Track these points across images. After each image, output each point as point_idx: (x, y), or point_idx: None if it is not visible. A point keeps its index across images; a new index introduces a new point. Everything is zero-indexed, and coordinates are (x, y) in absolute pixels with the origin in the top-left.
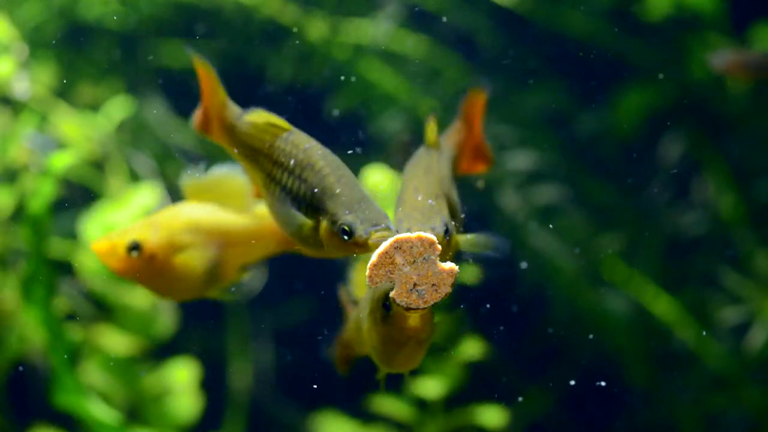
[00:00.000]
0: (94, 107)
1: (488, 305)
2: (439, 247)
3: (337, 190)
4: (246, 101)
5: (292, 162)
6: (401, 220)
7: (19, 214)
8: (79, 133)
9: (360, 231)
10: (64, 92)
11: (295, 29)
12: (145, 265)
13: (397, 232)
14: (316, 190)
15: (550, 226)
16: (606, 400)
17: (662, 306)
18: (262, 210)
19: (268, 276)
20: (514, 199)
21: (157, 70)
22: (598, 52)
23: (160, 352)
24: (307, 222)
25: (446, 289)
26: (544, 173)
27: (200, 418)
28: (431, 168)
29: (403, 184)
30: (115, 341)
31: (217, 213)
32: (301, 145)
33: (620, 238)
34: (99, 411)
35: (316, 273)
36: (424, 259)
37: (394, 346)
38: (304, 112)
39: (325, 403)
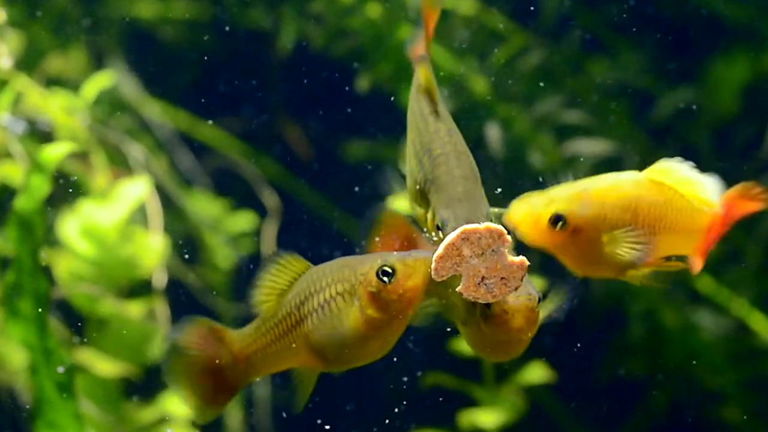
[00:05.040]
0: (61, 79)
1: (554, 325)
2: (509, 238)
3: (443, 182)
4: (262, 70)
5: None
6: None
7: None
8: (65, 118)
9: (449, 228)
10: (28, 64)
11: None
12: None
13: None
14: (428, 179)
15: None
16: None
17: (760, 326)
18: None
19: None
20: None
21: (125, 32)
22: (690, 13)
23: (154, 378)
24: (420, 210)
25: (516, 283)
26: (618, 164)
27: None
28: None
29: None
30: (102, 361)
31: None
32: (435, 131)
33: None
34: None
35: None
36: (492, 251)
37: (496, 344)
38: (330, 83)
39: None
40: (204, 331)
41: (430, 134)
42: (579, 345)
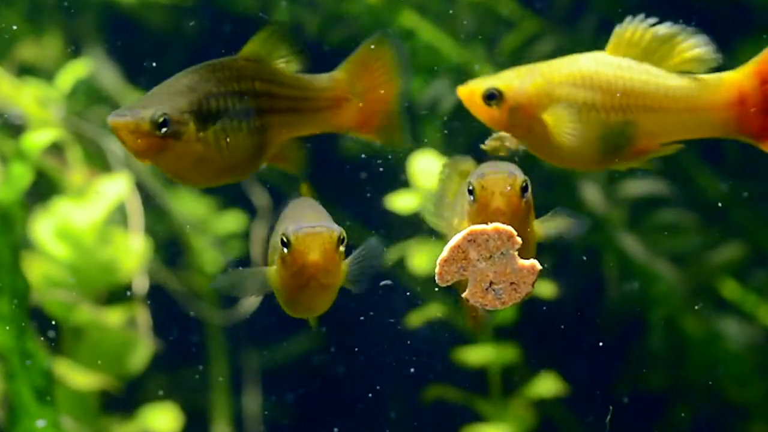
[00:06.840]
0: (34, 68)
1: (567, 333)
2: (519, 240)
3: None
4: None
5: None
6: None
7: None
8: (39, 110)
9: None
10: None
11: None
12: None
13: None
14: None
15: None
16: None
17: None
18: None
19: (258, 311)
20: (600, 196)
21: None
22: None
23: (135, 391)
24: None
25: (527, 289)
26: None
27: None
28: None
29: None
30: (79, 373)
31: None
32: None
33: (739, 250)
34: None
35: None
36: (501, 254)
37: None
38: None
39: None
40: None
41: None
42: (594, 355)
